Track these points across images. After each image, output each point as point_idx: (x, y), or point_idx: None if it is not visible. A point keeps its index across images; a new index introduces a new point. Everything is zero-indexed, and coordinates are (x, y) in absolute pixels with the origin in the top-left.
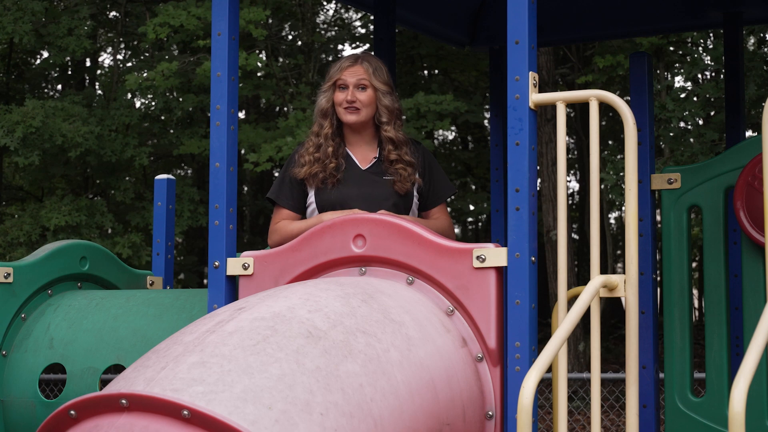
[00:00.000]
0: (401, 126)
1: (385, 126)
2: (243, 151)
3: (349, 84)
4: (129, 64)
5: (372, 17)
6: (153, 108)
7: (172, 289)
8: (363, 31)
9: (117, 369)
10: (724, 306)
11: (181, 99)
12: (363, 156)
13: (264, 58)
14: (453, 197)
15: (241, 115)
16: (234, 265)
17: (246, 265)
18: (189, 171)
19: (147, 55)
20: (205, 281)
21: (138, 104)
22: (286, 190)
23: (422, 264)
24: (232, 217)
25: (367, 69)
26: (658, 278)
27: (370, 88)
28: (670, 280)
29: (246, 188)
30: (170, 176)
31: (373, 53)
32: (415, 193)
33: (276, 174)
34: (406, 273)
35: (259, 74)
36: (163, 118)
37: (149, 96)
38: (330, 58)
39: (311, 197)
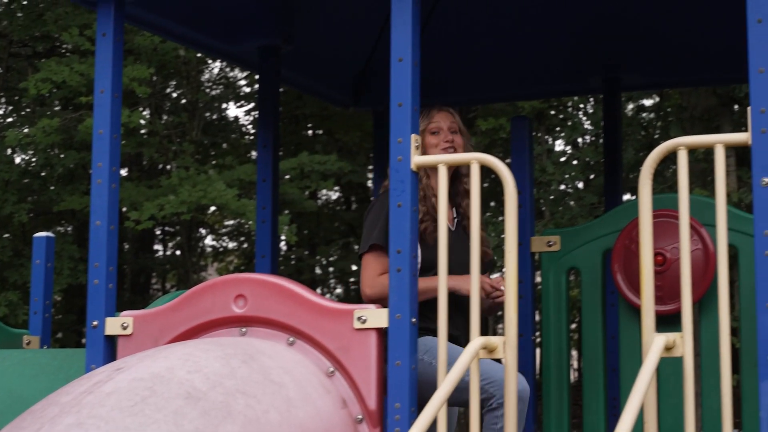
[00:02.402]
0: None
1: (465, 178)
2: (125, 209)
3: (443, 127)
4: (9, 120)
5: (257, 76)
6: (33, 164)
7: (50, 349)
8: (248, 90)
9: None
10: (602, 367)
11: (62, 155)
12: (448, 216)
13: (147, 116)
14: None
15: (124, 172)
16: (113, 325)
17: (125, 324)
18: (69, 228)
19: (28, 110)
20: (83, 341)
21: (18, 160)
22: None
23: (303, 325)
24: (112, 275)
25: (453, 115)
26: (538, 339)
27: (459, 133)
28: (549, 342)
29: (127, 246)
30: (50, 234)
31: (258, 113)
32: None
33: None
34: (287, 333)
35: (142, 132)
36: (43, 174)
37: (30, 152)
38: (214, 117)
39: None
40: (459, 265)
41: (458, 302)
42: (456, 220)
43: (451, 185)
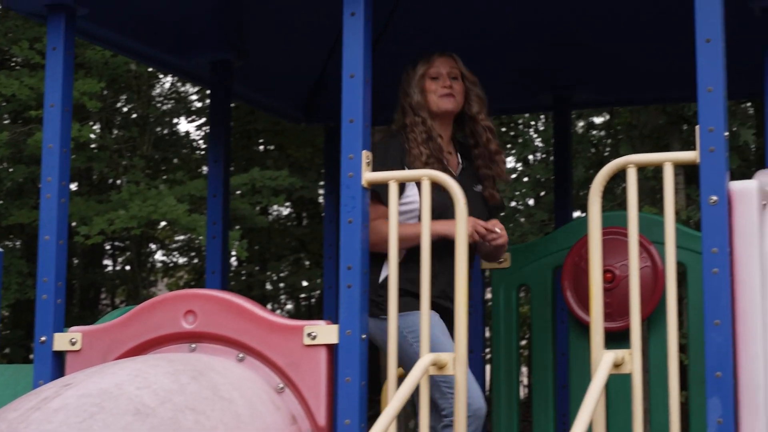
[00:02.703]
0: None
1: (479, 115)
2: (74, 224)
3: (443, 73)
4: None
5: (208, 91)
6: None
7: None
8: (199, 104)
9: None
10: (552, 384)
11: (11, 169)
12: (452, 161)
13: (98, 130)
14: None
15: (73, 187)
16: (61, 341)
17: (73, 340)
18: (18, 243)
19: None
20: (31, 356)
21: None
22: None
23: (253, 341)
24: (61, 291)
25: (457, 61)
26: (488, 356)
27: (460, 78)
28: (499, 358)
29: (76, 261)
30: None
31: (210, 128)
32: None
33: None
34: (236, 350)
35: (92, 146)
36: None
37: None
38: (165, 131)
39: (413, 194)
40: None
41: (451, 253)
42: (461, 167)
43: (459, 130)
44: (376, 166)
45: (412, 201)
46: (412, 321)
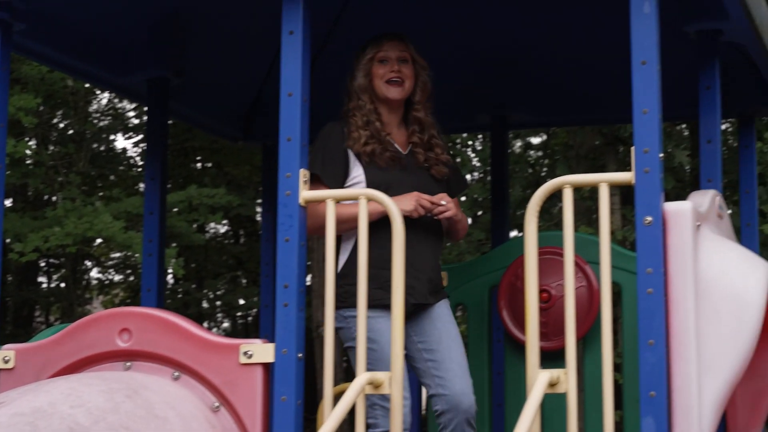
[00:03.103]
0: (431, 108)
1: (417, 105)
2: (8, 240)
3: (392, 57)
4: None
5: (145, 108)
6: None
7: None
8: (137, 121)
9: None
10: (487, 402)
11: None
12: (399, 140)
13: (34, 146)
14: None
15: (8, 203)
16: None
17: (6, 358)
18: None
19: None
20: None
21: None
22: (330, 165)
23: (188, 359)
24: None
25: (407, 44)
26: None
27: (410, 62)
28: None
29: (10, 278)
30: None
31: (147, 145)
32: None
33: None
34: (172, 368)
35: (28, 162)
36: None
37: None
38: (102, 148)
39: (359, 175)
40: (415, 188)
41: (412, 237)
42: (410, 147)
43: (406, 113)
44: (315, 152)
45: (358, 182)
46: (369, 327)
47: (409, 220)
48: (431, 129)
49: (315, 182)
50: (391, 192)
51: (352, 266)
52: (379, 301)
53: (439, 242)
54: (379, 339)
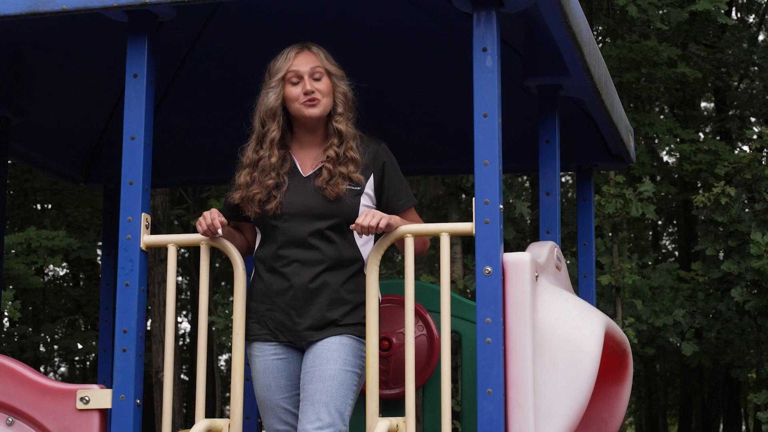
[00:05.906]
0: (353, 118)
1: (338, 117)
2: None
3: (303, 74)
4: None
5: None
6: None
7: None
8: None
9: None
10: None
11: None
12: (310, 160)
13: None
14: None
15: None
16: None
17: None
18: None
19: None
20: None
21: None
22: (224, 211)
23: (23, 404)
24: None
25: (317, 54)
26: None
27: (325, 76)
28: None
29: None
30: None
31: None
32: (368, 194)
33: None
34: (6, 413)
35: None
36: None
37: None
38: None
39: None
40: (303, 210)
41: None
42: (320, 164)
43: (328, 123)
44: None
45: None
46: (248, 354)
47: (291, 252)
48: (351, 140)
49: None
50: (282, 220)
51: (249, 300)
52: (255, 336)
53: (336, 275)
54: (254, 377)
